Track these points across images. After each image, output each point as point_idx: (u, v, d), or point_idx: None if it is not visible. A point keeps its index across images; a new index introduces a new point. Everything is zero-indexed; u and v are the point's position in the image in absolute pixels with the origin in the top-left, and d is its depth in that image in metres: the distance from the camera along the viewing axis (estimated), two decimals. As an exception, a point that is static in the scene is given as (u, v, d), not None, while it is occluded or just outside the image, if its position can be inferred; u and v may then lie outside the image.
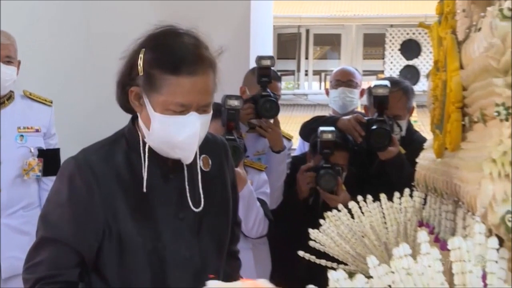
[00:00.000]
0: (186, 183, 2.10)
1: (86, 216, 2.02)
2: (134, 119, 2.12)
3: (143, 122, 2.03)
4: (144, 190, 2.04)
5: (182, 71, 1.94)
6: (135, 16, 4.29)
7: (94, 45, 4.35)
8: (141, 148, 2.06)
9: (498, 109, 1.45)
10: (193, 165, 2.11)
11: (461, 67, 1.80)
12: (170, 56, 1.96)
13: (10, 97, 3.70)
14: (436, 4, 2.01)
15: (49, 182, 3.75)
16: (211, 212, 2.14)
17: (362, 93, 4.21)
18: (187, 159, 2.04)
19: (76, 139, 4.18)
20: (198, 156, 2.12)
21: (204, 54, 1.99)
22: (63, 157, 3.80)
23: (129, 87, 2.01)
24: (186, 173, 2.10)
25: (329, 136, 3.44)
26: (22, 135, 3.65)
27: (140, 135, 2.07)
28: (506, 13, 1.41)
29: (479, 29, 1.59)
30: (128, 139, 2.10)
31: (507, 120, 1.45)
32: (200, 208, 2.10)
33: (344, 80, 4.22)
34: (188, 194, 2.09)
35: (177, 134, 1.97)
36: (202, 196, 2.11)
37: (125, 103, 2.08)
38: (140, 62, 1.97)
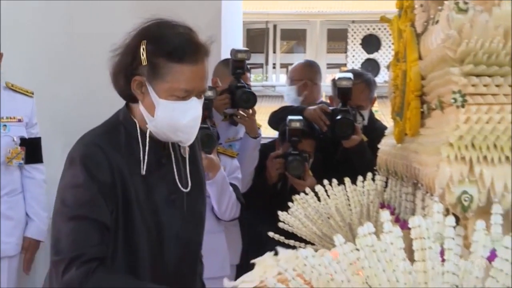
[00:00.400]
0: (175, 167, 2.15)
1: (103, 192, 2.01)
2: (128, 108, 2.14)
3: (145, 109, 2.05)
4: (143, 172, 2.06)
5: (186, 60, 1.99)
6: (110, 14, 4.27)
7: (75, 39, 4.31)
8: (139, 134, 2.08)
9: (455, 97, 1.46)
10: (177, 151, 2.17)
11: (420, 57, 1.81)
12: (173, 46, 2.00)
13: (-8, 88, 3.67)
14: (396, -1, 2.01)
15: (31, 169, 3.74)
16: (192, 193, 2.18)
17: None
18: (188, 141, 2.09)
19: (55, 129, 4.16)
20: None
21: (201, 43, 2.04)
22: (43, 145, 3.80)
23: (132, 77, 2.03)
24: (173, 159, 2.15)
25: (297, 124, 3.45)
26: (5, 125, 3.63)
27: (136, 122, 2.10)
28: (462, 6, 1.42)
29: (437, 22, 1.59)
30: (125, 126, 2.10)
31: (463, 106, 1.46)
32: (188, 189, 2.16)
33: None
34: (177, 177, 2.14)
35: (182, 117, 2.02)
36: (189, 178, 2.16)
37: (125, 91, 2.09)
38: (143, 53, 2.00)
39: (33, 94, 3.79)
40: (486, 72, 1.46)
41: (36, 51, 4.21)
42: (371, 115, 3.93)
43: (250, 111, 3.69)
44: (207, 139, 3.18)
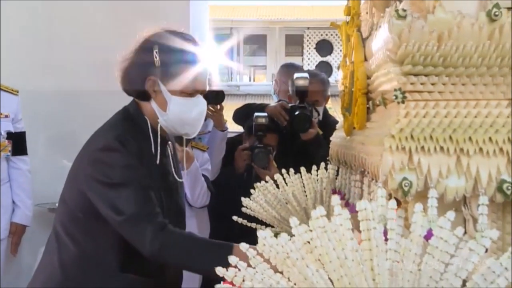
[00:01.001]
0: (172, 160, 2.26)
1: (141, 169, 2.06)
2: (138, 106, 2.18)
3: (157, 105, 2.12)
4: (158, 162, 2.14)
5: (195, 63, 2.09)
6: (81, 17, 4.24)
7: (57, 41, 4.27)
8: (149, 128, 2.14)
9: (396, 94, 1.47)
10: (170, 147, 2.27)
11: (365, 59, 1.82)
12: (183, 52, 2.09)
13: (-20, 87, 3.64)
14: (344, 7, 2.01)
15: (17, 160, 3.71)
16: (179, 183, 2.30)
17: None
18: (193, 134, 2.22)
19: (38, 124, 4.12)
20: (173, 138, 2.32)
21: (202, 49, 2.15)
22: (27, 139, 3.77)
23: (146, 77, 2.09)
24: (170, 153, 2.25)
25: (263, 120, 3.47)
26: None
27: (147, 118, 2.16)
28: (401, 13, 1.43)
29: (380, 27, 1.60)
30: (136, 121, 2.16)
31: (403, 102, 1.47)
32: (182, 179, 2.31)
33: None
34: (173, 168, 2.25)
35: (190, 112, 2.12)
36: (180, 169, 2.33)
37: (138, 90, 2.14)
38: (157, 56, 2.07)
39: (18, 92, 3.76)
40: (422, 72, 1.47)
41: (22, 54, 4.16)
42: (325, 111, 3.94)
43: (218, 106, 3.70)
44: None
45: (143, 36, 2.15)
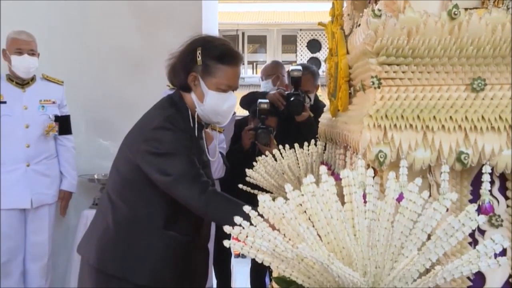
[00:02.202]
0: (205, 141, 2.25)
1: (188, 142, 2.05)
2: (180, 95, 2.15)
3: (196, 97, 2.10)
4: (197, 135, 2.12)
5: (230, 63, 2.07)
6: (111, 21, 4.21)
7: (92, 43, 4.25)
8: (190, 115, 2.12)
9: (373, 80, 1.46)
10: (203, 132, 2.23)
11: (348, 52, 1.79)
12: (220, 52, 2.06)
13: (33, 79, 3.65)
14: (330, 9, 1.99)
15: (63, 139, 3.73)
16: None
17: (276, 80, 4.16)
18: (224, 123, 2.19)
19: (80, 109, 4.12)
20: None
21: (238, 52, 2.13)
22: (72, 121, 3.78)
23: (189, 73, 2.08)
24: (204, 136, 2.23)
25: (265, 106, 3.46)
26: (43, 106, 3.63)
27: (188, 106, 2.12)
28: (377, 13, 1.41)
29: (359, 25, 1.57)
30: (179, 107, 2.12)
31: (379, 87, 1.46)
32: (212, 158, 2.30)
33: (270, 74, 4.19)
34: (207, 148, 2.24)
35: (223, 105, 2.09)
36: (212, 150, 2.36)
37: (183, 83, 2.12)
38: (199, 56, 2.05)
39: (63, 82, 3.78)
40: (395, 62, 1.45)
41: (67, 52, 4.14)
42: (316, 97, 3.93)
43: None
44: None
45: (189, 38, 2.14)
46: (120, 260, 2.05)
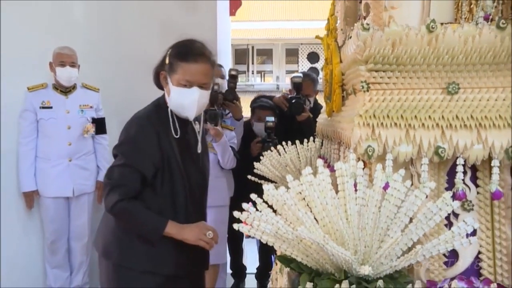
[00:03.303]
0: (196, 136, 2.07)
1: (150, 154, 1.89)
2: (164, 95, 2.04)
3: (167, 93, 1.96)
4: (178, 135, 1.95)
5: (190, 60, 1.89)
6: (132, 36, 4.17)
7: (123, 55, 4.22)
8: (169, 112, 1.96)
9: (362, 85, 1.44)
10: (192, 127, 2.07)
11: (341, 61, 1.76)
12: (183, 51, 1.92)
13: (74, 87, 3.64)
14: (325, 24, 1.96)
15: (99, 138, 3.72)
16: (202, 154, 2.09)
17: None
18: (191, 117, 1.96)
19: (113, 112, 4.11)
20: (202, 120, 2.11)
21: (205, 51, 1.94)
22: (106, 123, 3.76)
23: (160, 72, 1.98)
24: (196, 130, 2.08)
25: (271, 124, 3.39)
26: (82, 110, 3.62)
27: (167, 103, 1.99)
28: (365, 27, 1.39)
29: (350, 37, 1.55)
30: (162, 106, 1.98)
31: (367, 91, 1.44)
32: (200, 151, 2.06)
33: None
34: (199, 142, 2.07)
35: (184, 99, 1.91)
36: (200, 144, 2.07)
37: (156, 82, 2.02)
38: (167, 56, 1.94)
39: (99, 90, 3.78)
40: (381, 69, 1.43)
41: (102, 63, 4.12)
42: (315, 101, 3.90)
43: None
44: (214, 116, 3.17)
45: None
46: (122, 249, 1.98)
